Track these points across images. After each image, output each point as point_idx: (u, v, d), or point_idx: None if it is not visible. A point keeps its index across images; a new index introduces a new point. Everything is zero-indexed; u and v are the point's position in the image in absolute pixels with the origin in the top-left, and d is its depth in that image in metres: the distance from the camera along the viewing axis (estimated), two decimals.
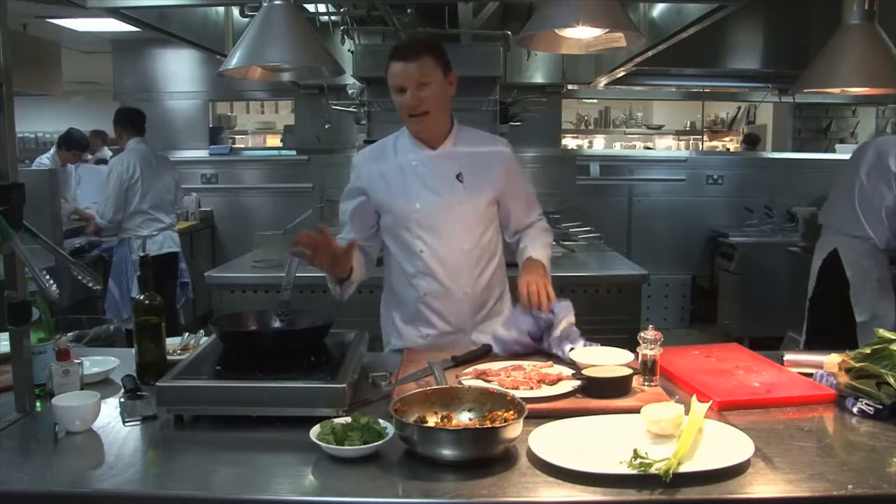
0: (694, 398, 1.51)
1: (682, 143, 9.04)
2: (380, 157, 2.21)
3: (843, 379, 1.70)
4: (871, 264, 3.49)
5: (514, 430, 1.37)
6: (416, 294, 2.19)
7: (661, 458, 1.29)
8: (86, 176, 6.43)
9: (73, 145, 5.99)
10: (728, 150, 8.62)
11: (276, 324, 1.91)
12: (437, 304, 2.18)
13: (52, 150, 6.05)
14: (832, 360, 1.80)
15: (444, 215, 2.13)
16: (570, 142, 8.76)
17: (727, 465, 1.30)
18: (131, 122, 4.74)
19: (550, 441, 1.40)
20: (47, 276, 1.57)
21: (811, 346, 3.54)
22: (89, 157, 7.10)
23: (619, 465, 1.30)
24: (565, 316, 1.99)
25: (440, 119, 2.13)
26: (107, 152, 6.93)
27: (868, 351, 1.70)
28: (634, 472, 1.27)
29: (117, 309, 4.54)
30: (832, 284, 3.61)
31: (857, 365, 1.68)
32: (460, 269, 2.17)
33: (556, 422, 1.49)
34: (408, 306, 2.22)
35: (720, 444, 1.39)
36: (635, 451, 1.31)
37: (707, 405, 1.48)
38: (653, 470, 1.26)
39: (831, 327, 3.60)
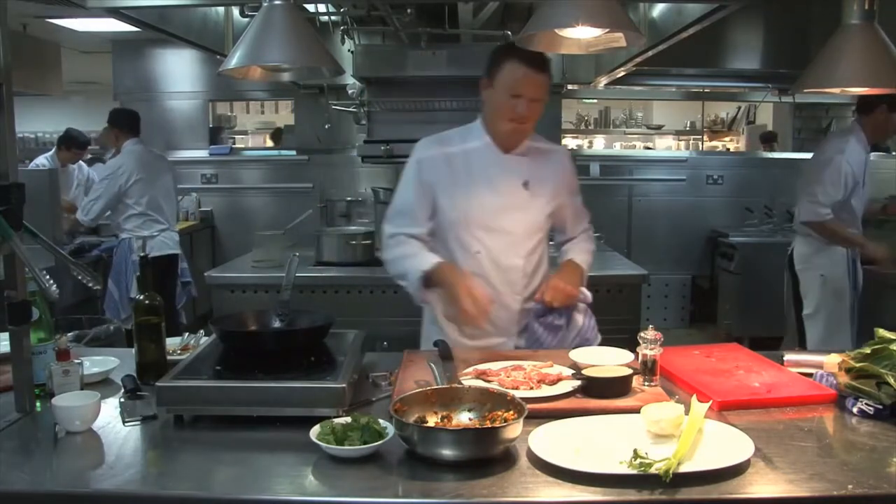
0: (694, 398, 1.51)
1: (682, 143, 9.03)
2: (447, 155, 2.16)
3: (843, 379, 1.70)
4: (819, 260, 3.66)
5: (514, 430, 1.37)
6: None
7: (661, 458, 1.29)
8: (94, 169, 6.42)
9: (73, 144, 5.98)
10: (728, 150, 8.62)
11: (276, 324, 1.92)
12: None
13: (52, 151, 6.05)
14: (832, 360, 1.80)
15: (505, 219, 2.13)
16: (570, 142, 8.75)
17: (727, 465, 1.30)
18: (127, 123, 4.73)
19: (550, 441, 1.40)
20: (47, 276, 1.57)
21: (802, 345, 3.66)
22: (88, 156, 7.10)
23: (619, 465, 1.30)
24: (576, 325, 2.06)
25: (532, 131, 2.14)
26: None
27: (868, 351, 1.70)
28: (634, 471, 1.27)
29: (116, 309, 4.54)
30: (792, 282, 3.84)
31: (857, 365, 1.68)
32: (513, 275, 2.16)
33: (556, 422, 1.49)
34: None
35: (720, 444, 1.39)
36: (635, 451, 1.31)
37: (707, 405, 1.48)
38: (653, 470, 1.26)
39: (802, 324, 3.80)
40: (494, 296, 2.10)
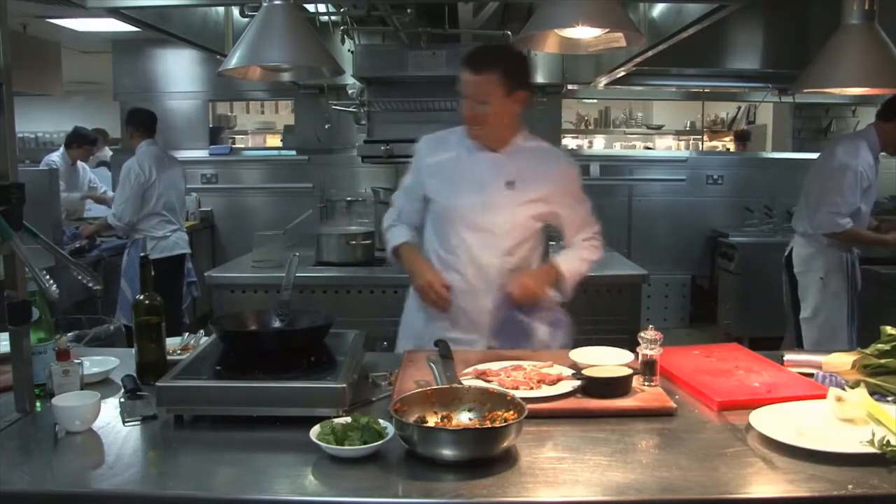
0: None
1: (682, 143, 9.03)
2: (440, 147, 2.24)
3: (855, 376, 1.70)
4: (818, 263, 3.64)
5: (514, 431, 1.37)
6: None
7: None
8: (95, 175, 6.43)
9: (83, 141, 6.01)
10: (728, 150, 8.61)
11: (277, 324, 1.91)
12: (461, 302, 2.18)
13: (61, 150, 6.05)
14: (834, 359, 1.80)
15: (486, 217, 2.15)
16: (570, 142, 8.75)
17: None
18: (144, 123, 4.74)
19: (772, 420, 1.48)
20: (47, 276, 1.57)
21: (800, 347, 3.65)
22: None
23: (860, 444, 1.35)
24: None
25: (497, 132, 2.15)
26: (107, 152, 6.92)
27: (888, 347, 1.69)
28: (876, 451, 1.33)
29: (129, 310, 4.53)
30: (790, 283, 3.82)
31: (882, 361, 1.68)
32: (489, 272, 2.18)
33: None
34: None
35: None
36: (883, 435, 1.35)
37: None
38: None
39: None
40: (469, 291, 2.16)
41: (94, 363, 1.91)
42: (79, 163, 6.09)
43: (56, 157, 5.95)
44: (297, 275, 2.02)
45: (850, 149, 3.57)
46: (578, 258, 2.26)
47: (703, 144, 8.30)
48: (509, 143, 2.17)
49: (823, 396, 1.69)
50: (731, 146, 8.72)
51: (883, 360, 1.68)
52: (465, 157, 2.18)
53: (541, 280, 2.15)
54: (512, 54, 2.15)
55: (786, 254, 3.86)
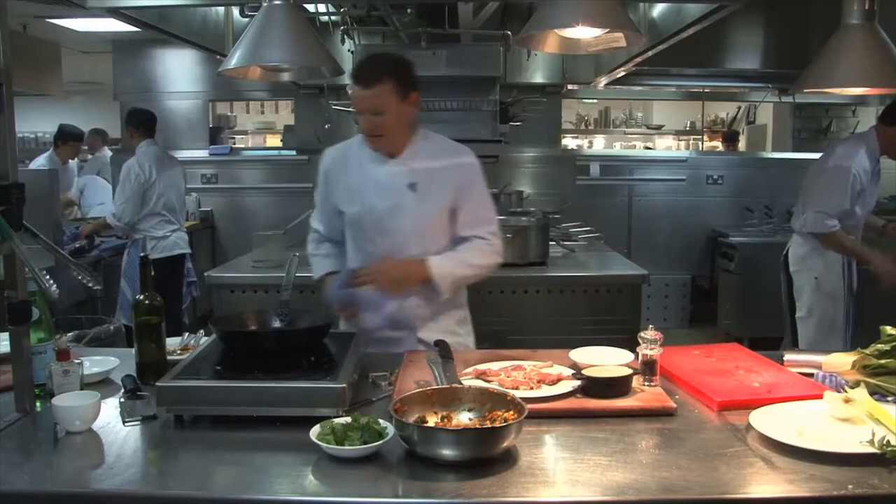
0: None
1: (682, 143, 9.03)
2: (342, 158, 2.28)
3: (855, 376, 1.70)
4: (814, 262, 3.63)
5: (514, 431, 1.37)
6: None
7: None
8: (90, 185, 6.43)
9: (69, 138, 5.99)
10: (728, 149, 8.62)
11: (277, 324, 1.92)
12: (386, 304, 2.22)
13: (50, 151, 6.04)
14: (835, 359, 1.80)
15: (394, 222, 2.18)
16: (570, 142, 8.75)
17: None
18: (144, 123, 4.74)
19: (772, 420, 1.49)
20: (47, 276, 1.57)
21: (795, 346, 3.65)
22: (89, 156, 7.10)
23: (860, 445, 1.35)
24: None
25: (396, 137, 2.18)
26: (107, 152, 6.92)
27: (888, 347, 1.69)
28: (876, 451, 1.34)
29: (129, 309, 4.53)
30: (787, 282, 3.80)
31: (882, 362, 1.68)
32: None
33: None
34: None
35: None
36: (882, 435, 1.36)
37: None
38: None
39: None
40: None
41: (94, 363, 1.91)
42: (70, 162, 6.06)
43: (42, 160, 5.91)
44: (297, 275, 2.02)
45: (848, 150, 3.55)
46: (457, 260, 2.21)
47: (703, 144, 8.31)
48: (408, 145, 2.20)
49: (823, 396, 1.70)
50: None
51: (883, 360, 1.68)
52: (367, 165, 2.21)
53: (402, 275, 2.16)
54: (397, 59, 2.15)
55: (784, 253, 3.86)
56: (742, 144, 8.42)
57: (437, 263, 2.17)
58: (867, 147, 3.55)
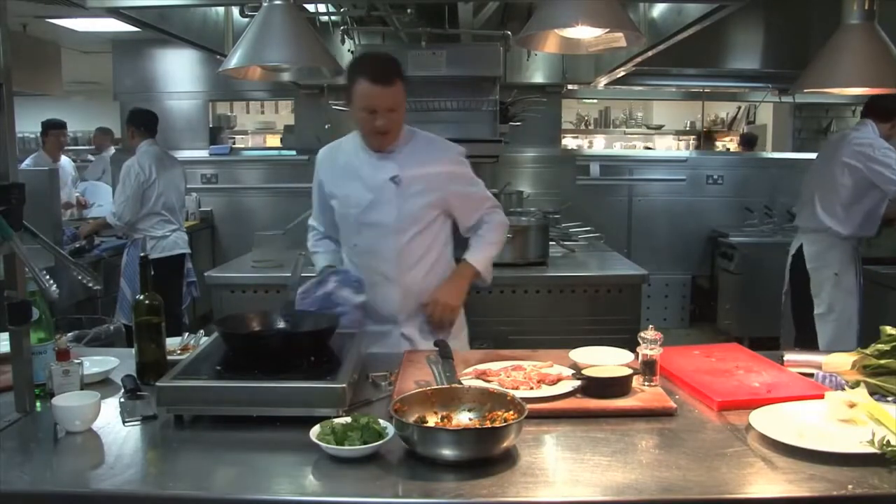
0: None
1: (682, 143, 9.03)
2: (335, 156, 2.36)
3: (855, 376, 1.70)
4: (832, 258, 3.64)
5: (514, 431, 1.37)
6: None
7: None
8: (90, 190, 6.41)
9: (50, 127, 5.98)
10: (728, 150, 8.61)
11: (281, 324, 1.91)
12: (370, 296, 2.25)
13: (37, 153, 6.02)
14: (835, 359, 1.80)
15: (376, 213, 2.25)
16: (570, 142, 8.75)
17: None
18: (145, 123, 4.74)
19: (772, 420, 1.49)
20: (47, 276, 1.57)
21: (813, 345, 3.61)
22: (90, 157, 7.09)
23: (860, 445, 1.35)
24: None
25: (398, 134, 2.24)
26: (112, 151, 6.90)
27: (888, 347, 1.69)
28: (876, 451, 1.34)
29: (128, 309, 4.53)
30: (800, 280, 3.77)
31: (882, 362, 1.68)
32: (387, 265, 2.28)
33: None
34: None
35: None
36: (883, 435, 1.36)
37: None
38: None
39: (805, 324, 3.76)
40: (374, 285, 2.26)
41: (94, 363, 1.91)
42: (63, 160, 6.03)
43: (29, 161, 5.84)
44: (303, 274, 2.02)
45: (865, 134, 3.57)
46: (484, 245, 2.37)
47: (702, 144, 8.30)
48: (390, 143, 2.25)
49: (823, 396, 1.70)
50: (731, 146, 8.72)
51: (883, 361, 1.68)
52: (354, 161, 2.29)
53: (455, 292, 2.30)
54: (396, 59, 2.21)
55: (792, 252, 3.83)
56: (767, 144, 8.08)
57: (475, 259, 2.33)
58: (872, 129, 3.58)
